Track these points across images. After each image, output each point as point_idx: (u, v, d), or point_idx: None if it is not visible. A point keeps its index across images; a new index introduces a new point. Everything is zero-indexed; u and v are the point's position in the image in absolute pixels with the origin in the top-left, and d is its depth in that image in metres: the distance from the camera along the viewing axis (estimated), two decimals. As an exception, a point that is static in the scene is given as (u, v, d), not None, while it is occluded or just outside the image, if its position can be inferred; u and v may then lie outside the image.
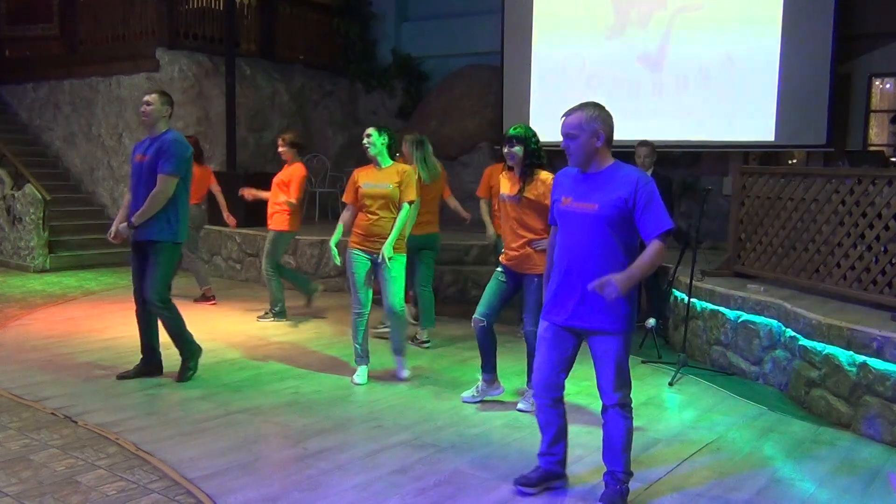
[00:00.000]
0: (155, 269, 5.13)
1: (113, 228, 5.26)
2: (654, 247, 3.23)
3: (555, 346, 3.48)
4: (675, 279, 6.56)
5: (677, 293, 6.60)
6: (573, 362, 3.55)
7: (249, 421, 4.56)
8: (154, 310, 5.21)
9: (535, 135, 4.70)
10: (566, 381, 3.59)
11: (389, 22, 12.92)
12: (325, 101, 12.49)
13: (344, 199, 5.48)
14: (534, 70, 10.45)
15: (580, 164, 3.36)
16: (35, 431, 4.28)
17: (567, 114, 3.36)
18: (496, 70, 11.01)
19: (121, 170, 11.01)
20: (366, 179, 5.33)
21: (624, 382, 3.39)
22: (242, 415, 4.66)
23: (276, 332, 6.88)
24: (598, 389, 3.44)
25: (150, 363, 5.37)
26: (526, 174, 4.65)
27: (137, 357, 5.39)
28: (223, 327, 6.97)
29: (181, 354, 5.32)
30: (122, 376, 5.30)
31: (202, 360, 5.43)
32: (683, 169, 9.93)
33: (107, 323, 6.91)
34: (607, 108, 3.36)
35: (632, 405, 3.46)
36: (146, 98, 5.20)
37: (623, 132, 8.85)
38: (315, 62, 12.44)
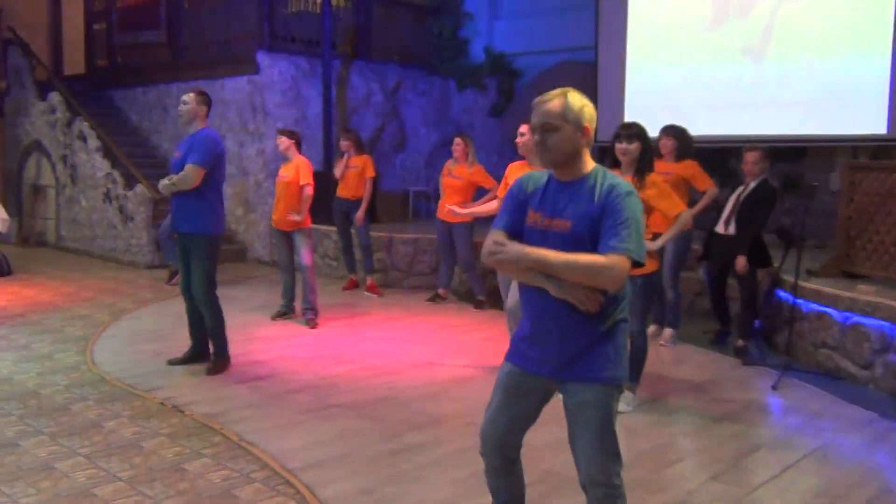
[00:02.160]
0: (195, 266, 5.41)
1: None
2: (601, 258, 2.44)
3: (514, 396, 2.78)
4: (779, 278, 6.31)
5: (781, 293, 6.36)
6: (534, 419, 2.86)
7: (345, 415, 4.66)
8: (198, 304, 5.46)
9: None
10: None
11: (482, 20, 12.94)
12: (419, 100, 12.61)
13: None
14: (628, 65, 10.24)
15: (556, 165, 2.61)
16: (146, 420, 4.50)
17: (543, 100, 2.61)
18: (590, 66, 10.84)
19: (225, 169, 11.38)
20: None
21: (610, 454, 2.63)
22: (338, 409, 4.77)
23: (371, 329, 7.00)
24: (575, 462, 2.71)
25: (197, 351, 5.62)
26: (638, 176, 4.45)
27: (240, 350, 5.58)
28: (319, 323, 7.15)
29: (213, 350, 5.52)
30: (172, 362, 5.59)
31: (298, 355, 5.55)
32: (787, 164, 9.54)
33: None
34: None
35: (622, 486, 2.66)
36: (184, 98, 5.46)
37: (723, 127, 8.83)
38: (408, 61, 12.57)
